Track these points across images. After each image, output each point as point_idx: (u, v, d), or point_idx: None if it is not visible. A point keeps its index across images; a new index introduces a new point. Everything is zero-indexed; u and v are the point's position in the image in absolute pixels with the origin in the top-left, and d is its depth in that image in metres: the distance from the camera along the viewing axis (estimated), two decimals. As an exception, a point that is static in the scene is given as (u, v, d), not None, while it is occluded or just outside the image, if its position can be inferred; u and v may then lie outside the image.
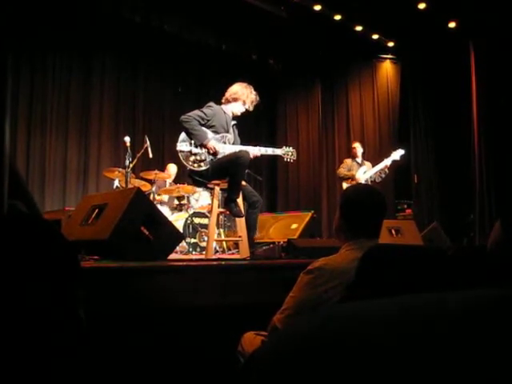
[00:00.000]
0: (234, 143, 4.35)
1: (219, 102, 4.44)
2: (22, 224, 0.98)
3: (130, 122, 9.12)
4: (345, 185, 7.08)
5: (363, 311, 0.34)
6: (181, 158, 4.15)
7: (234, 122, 4.44)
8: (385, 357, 0.29)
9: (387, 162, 7.07)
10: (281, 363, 0.32)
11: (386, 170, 7.07)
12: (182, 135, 4.19)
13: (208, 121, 4.22)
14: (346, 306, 0.36)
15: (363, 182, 6.96)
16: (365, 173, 7.11)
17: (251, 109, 4.46)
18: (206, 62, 9.45)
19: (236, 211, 4.10)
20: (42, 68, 8.15)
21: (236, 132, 4.48)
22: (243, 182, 4.25)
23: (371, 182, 7.01)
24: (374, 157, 8.64)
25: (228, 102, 4.39)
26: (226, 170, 4.08)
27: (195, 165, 4.12)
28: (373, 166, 7.19)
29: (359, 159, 7.36)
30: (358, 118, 9.41)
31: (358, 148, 7.43)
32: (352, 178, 7.07)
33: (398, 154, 7.15)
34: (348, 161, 7.40)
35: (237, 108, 4.39)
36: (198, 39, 8.49)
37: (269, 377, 0.32)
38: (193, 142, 4.15)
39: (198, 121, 4.17)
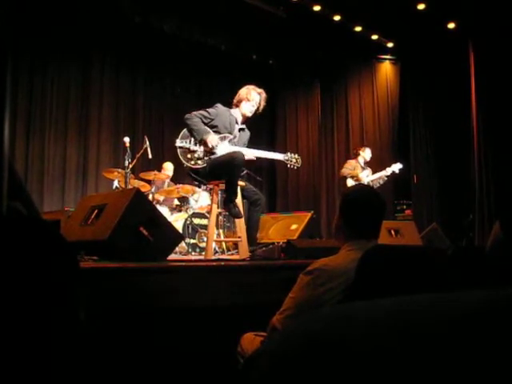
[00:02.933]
0: (236, 145, 4.36)
1: (228, 105, 4.44)
2: (20, 225, 0.98)
3: (130, 122, 9.12)
4: (349, 182, 7.18)
5: (363, 311, 0.34)
6: (179, 154, 4.16)
7: (241, 126, 4.43)
8: (385, 358, 0.30)
9: (387, 172, 7.25)
10: (280, 364, 0.32)
11: (385, 178, 7.25)
12: (183, 132, 4.22)
13: (211, 120, 4.23)
14: (346, 307, 0.36)
15: (365, 183, 7.06)
16: (367, 176, 7.24)
17: (261, 103, 4.39)
18: (205, 63, 9.46)
19: (235, 212, 4.11)
20: (41, 68, 8.15)
21: (243, 137, 4.44)
22: (243, 182, 4.26)
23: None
24: (373, 157, 8.65)
25: (236, 105, 4.41)
26: (222, 171, 4.08)
27: (192, 162, 4.13)
28: (373, 173, 7.30)
29: (362, 162, 7.45)
30: (357, 119, 9.42)
31: (368, 153, 7.52)
32: (356, 176, 7.17)
33: (396, 168, 7.31)
34: (352, 161, 7.47)
35: (244, 108, 4.38)
36: (197, 40, 8.49)
37: (268, 377, 0.32)
38: (192, 139, 4.16)
39: (200, 118, 4.19)
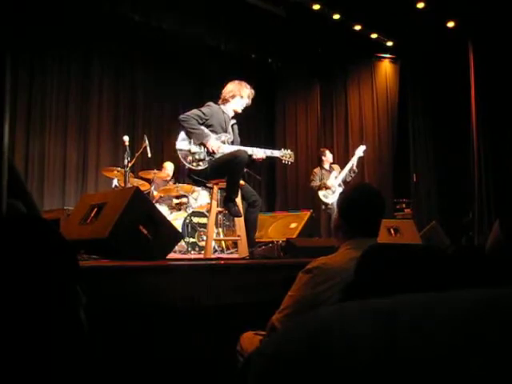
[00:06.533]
0: (233, 143, 4.36)
1: (218, 103, 4.44)
2: (21, 224, 0.98)
3: (129, 121, 9.12)
4: (321, 193, 7.15)
5: (361, 312, 0.34)
6: (180, 156, 4.15)
7: (233, 122, 4.44)
8: (382, 359, 0.30)
9: (353, 160, 7.19)
10: (277, 365, 0.32)
11: (355, 168, 7.17)
12: (182, 134, 4.20)
13: (206, 120, 4.22)
14: (344, 307, 0.36)
15: (336, 186, 7.06)
16: (336, 178, 7.18)
17: (250, 102, 4.46)
18: (204, 62, 9.45)
19: (235, 211, 4.10)
20: (40, 66, 8.14)
21: (236, 132, 4.47)
22: (242, 182, 4.26)
23: (343, 183, 7.09)
24: (373, 156, 8.66)
25: (226, 101, 4.39)
26: (224, 170, 4.08)
27: (194, 164, 4.13)
28: (341, 168, 7.28)
29: (327, 166, 7.40)
30: (356, 117, 9.41)
31: (328, 155, 7.47)
32: (325, 186, 7.13)
33: (360, 151, 7.27)
34: (317, 170, 7.43)
35: (237, 105, 4.38)
36: (196, 38, 8.48)
37: (265, 378, 0.32)
38: (192, 141, 4.15)
39: (197, 120, 4.17)
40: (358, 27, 8.23)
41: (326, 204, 7.14)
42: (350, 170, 7.15)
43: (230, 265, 3.28)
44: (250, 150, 4.23)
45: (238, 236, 4.26)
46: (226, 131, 4.32)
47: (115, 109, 9.00)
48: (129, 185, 5.86)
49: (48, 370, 0.89)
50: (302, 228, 6.00)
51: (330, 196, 7.08)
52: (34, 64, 8.08)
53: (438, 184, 8.40)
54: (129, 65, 9.21)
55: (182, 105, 8.71)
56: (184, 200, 6.98)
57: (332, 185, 7.09)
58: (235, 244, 5.21)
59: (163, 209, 6.64)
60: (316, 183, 7.25)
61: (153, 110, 9.47)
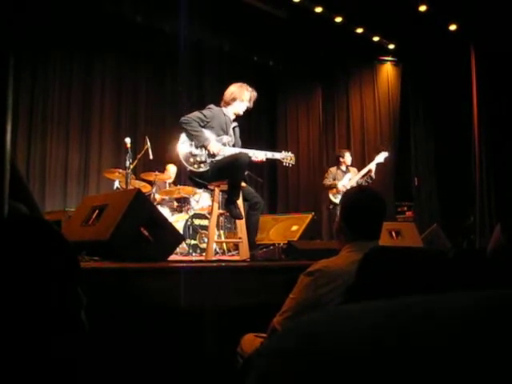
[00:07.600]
0: (234, 145, 4.36)
1: (219, 105, 4.45)
2: (23, 225, 0.98)
3: (131, 123, 9.13)
4: (330, 195, 7.09)
5: (362, 313, 0.34)
6: (181, 158, 4.16)
7: (234, 124, 4.45)
8: (384, 359, 0.30)
9: (371, 165, 7.06)
10: (277, 365, 0.32)
11: (372, 174, 7.03)
12: (183, 136, 4.21)
13: (207, 122, 4.23)
14: (345, 308, 0.36)
15: (348, 188, 6.92)
16: (350, 180, 7.08)
17: (251, 105, 4.46)
18: (207, 64, 9.46)
19: (236, 213, 4.10)
20: (43, 69, 8.17)
21: (237, 134, 4.48)
22: (244, 184, 4.26)
23: None
24: (374, 159, 8.63)
25: (227, 104, 4.40)
26: (225, 172, 4.09)
27: (195, 166, 4.13)
28: (358, 172, 7.19)
29: (343, 167, 7.32)
30: (358, 120, 9.41)
31: (347, 157, 7.37)
32: (335, 187, 7.05)
33: (382, 157, 7.15)
34: (333, 169, 7.35)
35: (237, 107, 4.39)
36: (198, 40, 8.49)
37: (265, 378, 0.32)
38: (193, 143, 4.16)
39: (198, 122, 4.18)
40: (359, 30, 8.23)
41: (335, 204, 7.05)
42: (366, 175, 7.03)
43: (231, 267, 3.28)
44: (250, 153, 4.23)
45: (239, 238, 4.26)
46: (227, 133, 4.33)
47: (117, 111, 9.01)
48: (130, 187, 5.86)
49: (49, 371, 0.89)
50: (304, 230, 6.00)
51: (340, 197, 7.01)
52: (37, 66, 8.10)
53: (439, 187, 8.39)
54: (131, 67, 9.22)
55: (183, 107, 8.71)
56: (183, 201, 6.98)
57: (343, 186, 6.99)
58: (236, 246, 5.21)
59: (165, 211, 6.64)
60: (328, 182, 7.19)
61: (154, 112, 9.48)
